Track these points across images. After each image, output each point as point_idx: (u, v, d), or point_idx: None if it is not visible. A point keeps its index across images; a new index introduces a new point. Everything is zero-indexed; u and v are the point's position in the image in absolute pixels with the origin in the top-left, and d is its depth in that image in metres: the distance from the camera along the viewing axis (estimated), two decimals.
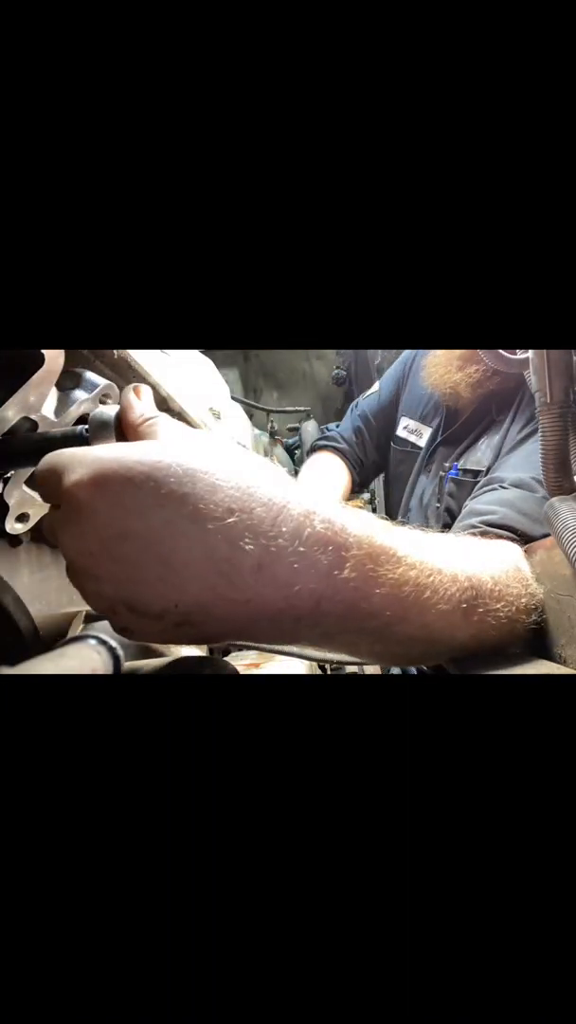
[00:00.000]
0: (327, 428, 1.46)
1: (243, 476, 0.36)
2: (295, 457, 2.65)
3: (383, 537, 0.41)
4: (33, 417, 0.46)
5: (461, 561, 0.49)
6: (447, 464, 1.10)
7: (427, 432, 1.20)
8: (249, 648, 0.83)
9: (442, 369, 1.11)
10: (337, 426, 1.43)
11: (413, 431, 1.23)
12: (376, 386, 1.41)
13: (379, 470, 1.39)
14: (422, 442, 1.21)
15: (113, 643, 0.33)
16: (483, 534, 0.73)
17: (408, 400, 1.27)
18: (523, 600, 0.55)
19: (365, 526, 0.41)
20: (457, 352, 1.11)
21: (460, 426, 1.14)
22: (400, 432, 1.27)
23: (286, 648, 0.77)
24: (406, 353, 1.38)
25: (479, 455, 1.07)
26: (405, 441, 1.25)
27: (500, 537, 0.71)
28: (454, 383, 1.07)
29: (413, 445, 1.23)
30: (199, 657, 0.50)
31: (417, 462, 1.20)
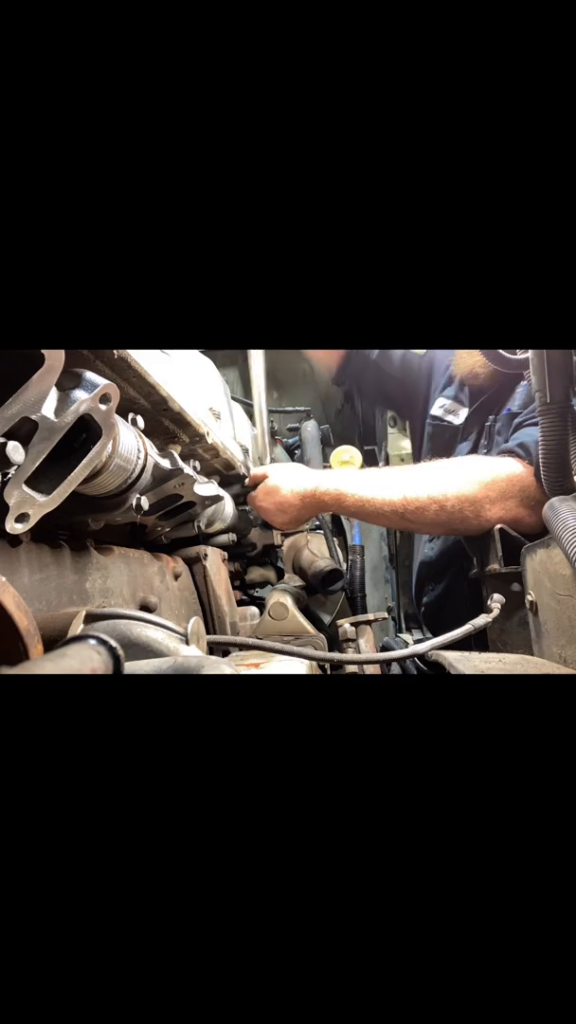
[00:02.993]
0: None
1: (288, 481, 1.23)
2: (295, 457, 2.65)
3: (341, 487, 1.19)
4: (33, 417, 0.46)
5: (389, 489, 1.14)
6: (492, 417, 1.29)
7: (464, 411, 1.38)
8: (249, 648, 0.84)
9: (467, 357, 1.33)
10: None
11: (450, 411, 1.42)
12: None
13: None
14: (458, 420, 1.39)
15: (113, 643, 0.33)
16: (504, 452, 1.15)
17: (442, 382, 1.46)
18: (462, 498, 1.09)
19: (334, 485, 1.20)
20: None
21: (487, 397, 1.35)
22: (435, 411, 1.43)
23: (286, 648, 0.77)
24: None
25: (517, 402, 1.27)
26: (440, 419, 1.43)
27: (510, 454, 1.13)
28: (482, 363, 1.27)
29: (449, 423, 1.41)
30: (199, 657, 0.50)
31: (458, 434, 1.39)
